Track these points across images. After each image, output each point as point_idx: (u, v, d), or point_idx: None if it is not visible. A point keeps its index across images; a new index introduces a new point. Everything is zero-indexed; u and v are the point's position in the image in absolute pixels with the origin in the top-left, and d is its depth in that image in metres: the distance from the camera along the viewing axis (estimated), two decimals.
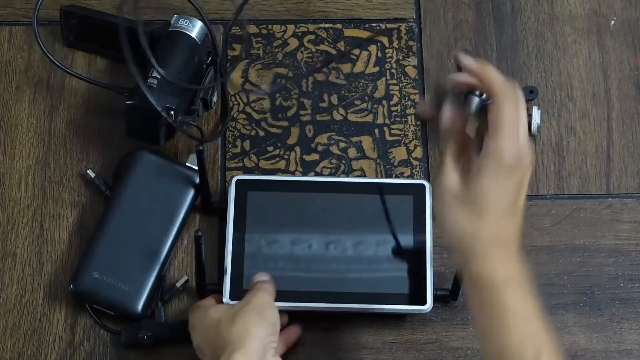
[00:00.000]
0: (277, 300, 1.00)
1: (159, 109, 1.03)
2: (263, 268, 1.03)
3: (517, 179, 0.85)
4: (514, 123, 0.85)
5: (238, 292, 1.02)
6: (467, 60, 0.88)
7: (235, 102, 1.15)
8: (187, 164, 1.09)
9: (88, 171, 1.10)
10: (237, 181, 1.07)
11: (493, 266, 0.84)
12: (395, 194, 1.07)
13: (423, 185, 1.07)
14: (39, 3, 1.10)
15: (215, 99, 1.11)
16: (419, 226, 1.06)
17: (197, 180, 1.07)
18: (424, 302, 1.03)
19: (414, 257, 1.05)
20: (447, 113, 0.89)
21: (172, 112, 1.05)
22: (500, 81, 0.86)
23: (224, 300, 1.02)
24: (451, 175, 0.87)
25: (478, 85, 0.87)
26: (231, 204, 1.06)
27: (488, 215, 0.84)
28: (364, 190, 1.07)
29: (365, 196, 1.07)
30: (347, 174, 1.12)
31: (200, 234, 0.97)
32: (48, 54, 1.11)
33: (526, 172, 0.86)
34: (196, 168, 1.08)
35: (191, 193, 1.07)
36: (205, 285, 1.04)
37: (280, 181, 1.08)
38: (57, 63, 1.11)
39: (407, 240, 1.05)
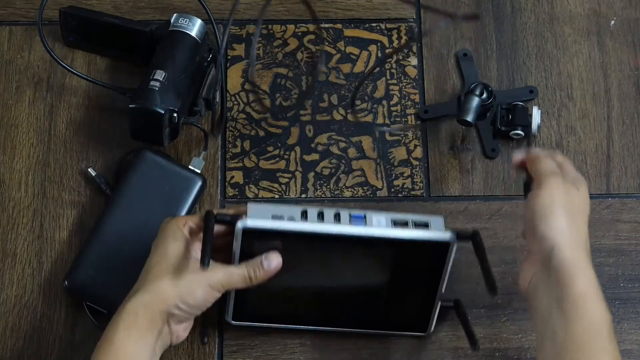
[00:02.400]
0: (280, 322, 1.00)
1: (162, 111, 1.04)
2: (266, 296, 1.00)
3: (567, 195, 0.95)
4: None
5: (242, 313, 1.00)
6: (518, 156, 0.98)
7: (236, 102, 1.15)
8: (190, 167, 1.09)
9: (89, 170, 1.10)
10: (245, 231, 0.95)
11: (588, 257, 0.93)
12: (416, 252, 0.98)
13: (447, 244, 0.97)
14: (44, 2, 1.10)
15: (217, 98, 1.11)
16: (433, 277, 1.00)
17: (199, 183, 1.07)
18: (424, 330, 1.03)
19: (423, 300, 1.02)
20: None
21: (175, 114, 1.05)
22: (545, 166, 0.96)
23: (227, 317, 0.99)
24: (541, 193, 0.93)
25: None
26: (237, 251, 0.97)
27: (583, 223, 0.96)
28: (384, 247, 0.98)
29: (385, 252, 0.98)
30: (347, 174, 1.12)
31: (212, 211, 0.95)
32: (51, 53, 1.11)
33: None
34: (198, 171, 1.08)
35: (192, 196, 1.07)
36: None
37: (290, 233, 0.96)
38: (60, 62, 1.11)
39: (419, 287, 1.01)
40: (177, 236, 0.95)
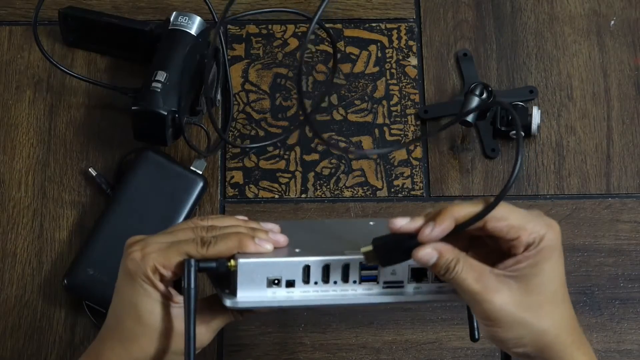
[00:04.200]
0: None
1: (165, 113, 1.04)
2: None
3: (560, 252, 0.81)
4: (516, 213, 0.80)
5: None
6: (417, 223, 0.80)
7: (235, 102, 1.15)
8: (192, 168, 1.08)
9: (90, 169, 1.10)
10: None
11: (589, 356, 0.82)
12: None
13: None
14: (38, 7, 1.10)
15: (219, 96, 1.11)
16: None
17: (201, 184, 1.07)
18: None
19: None
20: (447, 249, 0.79)
21: (177, 115, 1.05)
22: (467, 206, 0.80)
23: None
24: (497, 296, 0.79)
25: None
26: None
27: (559, 306, 0.81)
28: None
29: None
30: (347, 174, 1.12)
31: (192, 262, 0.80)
32: (50, 59, 1.11)
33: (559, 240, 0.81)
34: (200, 172, 1.08)
35: (193, 198, 1.07)
36: None
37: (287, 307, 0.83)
38: (59, 65, 1.11)
39: None
40: (149, 292, 0.81)
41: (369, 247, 0.80)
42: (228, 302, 0.80)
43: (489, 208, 0.77)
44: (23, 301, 1.06)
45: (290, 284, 0.80)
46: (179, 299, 0.82)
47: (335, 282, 0.81)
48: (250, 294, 0.79)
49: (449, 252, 0.79)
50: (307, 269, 0.80)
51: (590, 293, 1.07)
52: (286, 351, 1.04)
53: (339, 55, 1.17)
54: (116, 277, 0.85)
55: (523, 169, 1.12)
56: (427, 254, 0.78)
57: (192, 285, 0.79)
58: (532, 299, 0.79)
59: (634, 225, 1.10)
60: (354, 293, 0.81)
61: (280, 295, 0.80)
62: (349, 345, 1.05)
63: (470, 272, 0.79)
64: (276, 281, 0.80)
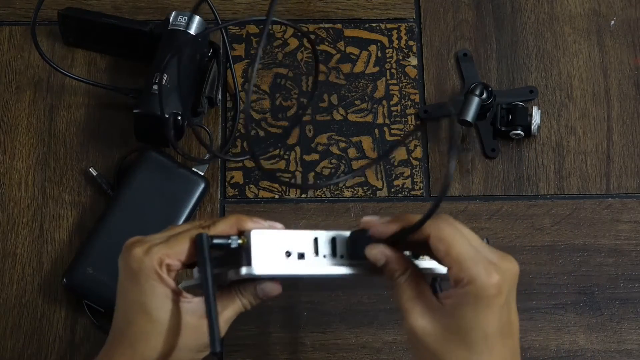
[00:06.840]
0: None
1: (166, 115, 1.04)
2: None
3: (500, 301, 0.77)
4: (464, 245, 0.78)
5: None
6: (376, 222, 0.82)
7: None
8: (194, 169, 1.08)
9: (90, 169, 1.10)
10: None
11: None
12: None
13: None
14: (37, 10, 1.10)
15: (220, 96, 1.11)
16: None
17: (202, 186, 1.07)
18: None
19: None
20: (395, 258, 0.81)
21: (179, 117, 1.05)
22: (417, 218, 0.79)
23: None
24: (419, 320, 0.79)
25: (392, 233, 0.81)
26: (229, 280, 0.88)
27: (481, 354, 0.77)
28: None
29: None
30: (347, 174, 1.12)
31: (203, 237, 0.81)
32: (49, 61, 1.11)
33: (510, 285, 0.78)
34: (202, 174, 1.08)
35: (194, 199, 1.07)
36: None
37: (299, 276, 0.86)
38: (58, 68, 1.11)
39: None
40: (156, 288, 0.80)
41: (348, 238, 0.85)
42: (244, 270, 0.81)
43: (417, 224, 0.78)
44: (23, 301, 1.06)
45: (301, 255, 0.83)
46: (187, 293, 0.82)
47: (342, 257, 0.84)
48: (264, 263, 0.82)
49: (395, 262, 0.81)
50: (316, 242, 0.84)
51: (590, 293, 1.07)
52: (286, 351, 1.04)
53: (340, 56, 1.17)
54: (115, 277, 0.84)
55: (522, 170, 1.13)
56: (374, 254, 0.81)
57: (207, 258, 0.80)
58: (450, 338, 0.77)
59: (634, 225, 1.10)
60: (362, 266, 0.84)
61: (293, 266, 0.83)
62: (349, 345, 1.05)
63: (408, 289, 0.80)
64: (288, 253, 0.83)
